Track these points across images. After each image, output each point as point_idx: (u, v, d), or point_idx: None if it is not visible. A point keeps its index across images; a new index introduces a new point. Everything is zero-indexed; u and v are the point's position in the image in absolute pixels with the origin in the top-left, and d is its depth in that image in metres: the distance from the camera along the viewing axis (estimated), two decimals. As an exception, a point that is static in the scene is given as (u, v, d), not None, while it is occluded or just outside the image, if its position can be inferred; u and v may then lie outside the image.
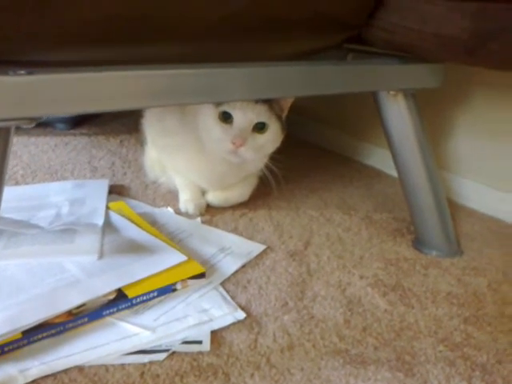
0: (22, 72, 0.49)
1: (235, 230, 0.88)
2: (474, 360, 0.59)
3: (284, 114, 0.89)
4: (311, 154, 1.31)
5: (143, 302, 0.65)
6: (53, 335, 0.57)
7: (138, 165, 1.14)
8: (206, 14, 0.56)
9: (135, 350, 0.57)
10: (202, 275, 0.70)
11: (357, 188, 1.11)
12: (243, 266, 0.76)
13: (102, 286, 0.64)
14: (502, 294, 0.73)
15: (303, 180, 1.13)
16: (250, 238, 0.85)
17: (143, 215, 0.88)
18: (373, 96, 0.80)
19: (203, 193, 0.96)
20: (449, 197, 1.04)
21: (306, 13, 0.63)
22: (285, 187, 1.07)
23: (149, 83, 0.56)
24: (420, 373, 0.56)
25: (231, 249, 0.80)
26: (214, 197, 0.95)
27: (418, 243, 0.86)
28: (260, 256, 0.79)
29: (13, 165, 1.11)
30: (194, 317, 0.62)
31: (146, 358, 0.56)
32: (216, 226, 0.89)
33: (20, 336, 0.55)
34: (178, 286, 0.68)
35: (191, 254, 0.75)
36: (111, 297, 0.63)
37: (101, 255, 0.71)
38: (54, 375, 0.53)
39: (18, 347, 0.55)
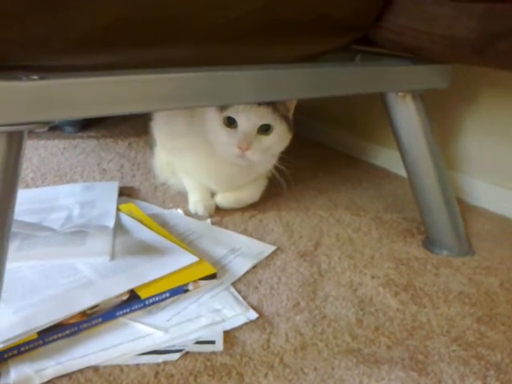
0: (35, 77, 0.49)
1: (245, 231, 0.88)
2: (488, 359, 0.59)
3: (290, 114, 0.89)
4: (320, 154, 1.31)
5: (156, 302, 0.65)
6: (67, 336, 0.58)
7: (147, 167, 1.15)
8: (211, 18, 0.57)
9: (149, 350, 0.57)
10: (213, 276, 0.71)
11: (366, 189, 1.11)
12: (254, 267, 0.76)
13: (115, 287, 0.64)
14: (515, 293, 0.73)
15: (312, 181, 1.13)
16: (260, 238, 0.85)
17: (153, 217, 0.88)
18: (381, 97, 0.80)
19: (212, 194, 0.97)
20: (459, 197, 1.04)
21: (312, 15, 0.63)
22: (294, 188, 1.07)
23: (156, 87, 0.56)
24: (434, 372, 0.56)
25: (242, 250, 0.80)
26: (224, 198, 0.95)
27: (429, 243, 0.86)
28: (270, 257, 0.80)
29: (23, 168, 1.11)
30: (206, 317, 0.63)
31: (160, 358, 0.56)
32: (226, 227, 0.89)
33: (36, 336, 0.55)
34: (190, 287, 0.68)
35: (202, 255, 0.75)
36: (124, 298, 0.63)
37: (113, 257, 0.71)
38: (69, 375, 0.53)
39: (34, 347, 0.56)
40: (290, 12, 0.59)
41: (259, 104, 0.82)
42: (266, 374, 0.55)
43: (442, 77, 0.77)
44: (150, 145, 1.08)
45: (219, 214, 0.94)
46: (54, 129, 1.40)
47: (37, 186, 1.02)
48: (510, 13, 0.56)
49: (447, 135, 1.08)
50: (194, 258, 0.72)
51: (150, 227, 0.82)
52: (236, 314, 0.64)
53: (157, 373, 0.54)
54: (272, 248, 0.82)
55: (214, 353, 0.58)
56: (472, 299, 0.70)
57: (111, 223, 0.81)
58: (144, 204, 0.95)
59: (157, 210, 0.94)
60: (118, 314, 0.62)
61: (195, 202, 0.94)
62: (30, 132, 0.53)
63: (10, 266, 0.54)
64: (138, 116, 1.44)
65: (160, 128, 0.99)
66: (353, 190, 1.10)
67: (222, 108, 0.83)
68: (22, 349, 0.55)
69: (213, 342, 0.59)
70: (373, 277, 0.75)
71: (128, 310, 0.62)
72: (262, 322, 0.63)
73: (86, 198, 0.93)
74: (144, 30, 0.55)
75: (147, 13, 0.53)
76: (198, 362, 0.56)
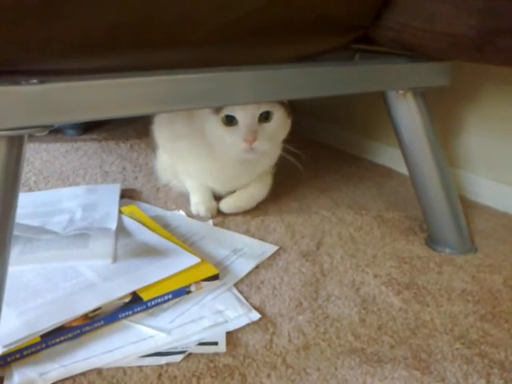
0: (35, 81, 0.49)
1: (247, 232, 0.88)
2: (492, 357, 0.58)
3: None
4: (321, 153, 1.31)
5: (158, 304, 0.65)
6: (70, 339, 0.58)
7: (149, 169, 1.15)
8: (209, 19, 0.57)
9: (152, 352, 0.57)
10: (215, 277, 0.71)
11: (368, 187, 1.11)
12: (256, 267, 0.76)
13: (117, 290, 0.64)
14: (518, 290, 0.72)
15: (314, 180, 1.13)
16: (262, 239, 0.85)
17: (155, 218, 0.88)
18: (382, 95, 0.80)
19: (215, 196, 0.97)
20: (461, 194, 1.04)
21: (312, 15, 0.63)
22: (296, 187, 1.08)
23: (157, 89, 0.56)
24: (437, 370, 0.56)
25: (244, 250, 0.80)
26: (228, 204, 0.94)
27: (431, 241, 0.86)
28: (273, 257, 0.79)
29: (25, 171, 1.12)
30: (209, 318, 0.63)
31: (162, 360, 0.56)
32: (228, 228, 0.89)
33: (38, 340, 0.56)
34: (192, 288, 0.68)
35: (204, 256, 0.75)
36: (126, 300, 0.63)
37: (115, 259, 0.72)
38: (72, 378, 0.53)
39: (37, 351, 0.56)
40: (290, 12, 0.59)
41: None
42: (268, 375, 0.55)
43: (442, 74, 0.76)
44: (151, 147, 1.09)
45: (221, 214, 0.94)
46: (56, 132, 1.40)
47: (39, 190, 1.03)
48: (509, 9, 0.56)
49: (449, 132, 1.08)
50: (196, 260, 0.72)
51: (151, 229, 0.82)
52: (238, 314, 0.64)
53: (160, 375, 0.54)
54: (274, 248, 0.82)
55: (216, 354, 0.58)
56: (475, 297, 0.70)
57: (113, 225, 0.81)
58: (146, 206, 0.96)
59: (159, 211, 0.94)
60: (120, 316, 0.62)
61: (197, 204, 0.94)
62: (32, 135, 0.53)
63: (12, 269, 0.54)
64: (139, 118, 1.44)
65: (161, 131, 0.99)
66: (354, 188, 1.10)
67: (217, 109, 0.83)
68: (25, 352, 0.55)
69: (215, 344, 0.59)
70: (375, 276, 0.75)
71: (130, 313, 0.63)
72: (265, 322, 0.63)
73: (88, 200, 0.94)
74: (143, 32, 0.55)
75: (146, 16, 0.53)
76: (200, 364, 0.56)
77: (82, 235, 0.76)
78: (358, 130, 1.32)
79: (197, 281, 0.69)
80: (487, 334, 0.62)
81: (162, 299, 0.65)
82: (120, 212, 0.88)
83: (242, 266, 0.75)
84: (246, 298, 0.68)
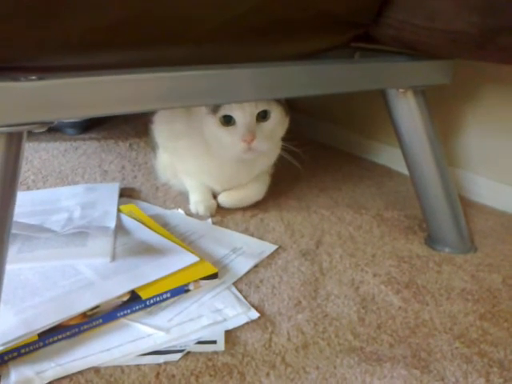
0: (33, 77, 0.49)
1: (246, 231, 0.88)
2: (491, 356, 0.58)
3: None
4: (320, 153, 1.31)
5: (157, 303, 0.65)
6: (68, 337, 0.58)
7: (148, 168, 1.15)
8: (209, 17, 0.57)
9: (150, 350, 0.57)
10: (214, 275, 0.70)
11: (367, 186, 1.11)
12: (255, 266, 0.76)
13: (116, 288, 0.64)
14: (518, 289, 0.72)
15: (313, 179, 1.12)
16: (262, 238, 0.85)
17: (154, 217, 0.88)
18: (382, 94, 0.80)
19: (214, 195, 0.97)
20: (461, 193, 1.03)
21: (312, 13, 0.63)
22: (295, 186, 1.08)
23: (156, 85, 0.56)
24: (436, 369, 0.56)
25: (243, 249, 0.80)
26: (227, 198, 0.95)
27: (431, 240, 0.86)
28: (272, 256, 0.79)
29: (24, 170, 1.12)
30: (207, 317, 0.62)
31: (161, 359, 0.56)
32: (227, 226, 0.89)
33: (36, 338, 0.55)
34: (191, 287, 0.68)
35: (203, 255, 0.75)
36: (125, 298, 0.63)
37: (113, 257, 0.71)
38: (70, 377, 0.53)
39: (34, 349, 0.55)
40: (290, 9, 0.59)
41: None
42: (267, 374, 0.55)
43: (442, 72, 0.76)
44: (150, 146, 1.09)
45: (220, 213, 0.94)
46: (55, 131, 1.40)
47: (38, 188, 1.03)
48: (510, 7, 0.56)
49: (448, 131, 1.08)
50: (194, 258, 0.72)
51: (150, 227, 0.82)
52: (237, 313, 0.64)
53: (158, 373, 0.54)
54: (273, 247, 0.82)
55: (215, 353, 0.57)
56: (475, 296, 0.70)
57: (112, 224, 0.81)
58: (145, 205, 0.95)
59: (158, 210, 0.94)
60: (118, 314, 0.61)
61: (196, 202, 0.94)
62: (31, 134, 0.53)
63: (10, 267, 0.54)
64: (138, 117, 1.44)
65: (161, 130, 0.99)
66: (354, 187, 1.10)
67: (215, 109, 0.83)
68: (23, 351, 0.54)
69: (214, 342, 0.59)
70: (374, 275, 0.75)
71: (129, 311, 0.62)
72: (264, 321, 0.63)
73: (87, 199, 0.93)
74: (143, 30, 0.55)
75: (146, 12, 0.53)
76: (199, 362, 0.56)
77: (80, 234, 0.76)
78: (358, 130, 1.32)
79: (195, 279, 0.68)
80: (486, 332, 0.62)
81: (161, 298, 0.65)
82: (119, 211, 0.88)
83: (241, 265, 0.75)
84: (245, 297, 0.68)
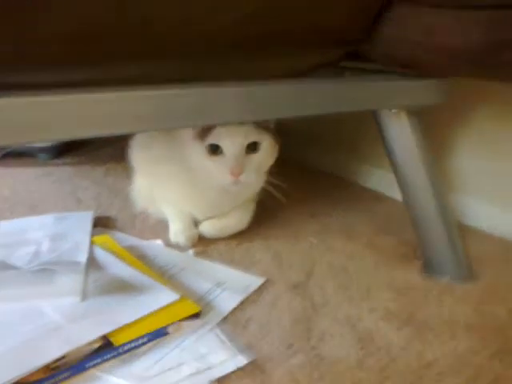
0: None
1: (231, 262, 0.81)
2: (508, 404, 0.52)
3: (271, 126, 0.84)
4: (307, 177, 1.25)
5: (132, 349, 0.57)
6: (28, 395, 0.50)
7: (126, 194, 1.07)
8: (189, 30, 0.51)
9: (124, 408, 0.50)
10: (196, 315, 0.64)
11: (357, 211, 1.06)
12: (241, 303, 0.69)
13: (85, 334, 0.57)
14: (525, 322, 0.67)
15: (300, 205, 1.06)
16: (248, 269, 0.79)
17: (130, 249, 0.81)
18: (373, 115, 0.75)
19: (195, 223, 0.90)
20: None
21: (301, 27, 0.58)
22: (282, 212, 1.02)
23: (132, 105, 0.50)
24: (448, 422, 0.50)
25: (227, 283, 0.74)
26: (209, 227, 0.88)
27: (427, 268, 0.80)
28: (259, 290, 0.73)
29: (-10, 199, 1.04)
30: (189, 365, 0.55)
31: (136, 418, 0.49)
32: (210, 257, 0.82)
33: (-12, 399, 0.48)
34: (171, 330, 0.61)
35: (184, 291, 0.68)
36: (95, 345, 0.56)
37: (84, 297, 0.64)
38: None
39: (-14, 413, 0.48)
40: (276, 23, 0.54)
41: (240, 123, 0.77)
42: (258, 433, 0.48)
43: (438, 91, 0.72)
44: (128, 171, 1.02)
45: (202, 243, 0.87)
46: (26, 156, 1.32)
47: (4, 219, 0.94)
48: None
49: (439, 153, 1.04)
50: (174, 296, 0.65)
51: (126, 261, 0.75)
52: (223, 360, 0.57)
53: None
54: (260, 280, 0.75)
55: (198, 408, 0.51)
56: (480, 332, 0.64)
57: (83, 258, 0.74)
58: (121, 235, 0.88)
59: (134, 241, 0.87)
60: (87, 365, 0.54)
61: (176, 232, 0.87)
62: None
63: (-41, 316, 0.47)
64: (116, 141, 1.38)
65: (138, 154, 0.93)
66: (344, 213, 1.04)
67: (202, 136, 0.77)
68: (-28, 415, 0.47)
69: (197, 395, 0.52)
70: (371, 310, 0.69)
71: (100, 360, 0.55)
72: (252, 368, 0.56)
73: (57, 230, 0.86)
74: (108, 43, 0.49)
75: (110, 25, 0.47)
76: (180, 421, 0.49)
77: (47, 270, 0.68)
78: (347, 153, 1.28)
79: (176, 321, 0.62)
80: (501, 376, 0.56)
81: (137, 343, 0.58)
82: (92, 242, 0.81)
83: (226, 302, 0.69)
84: (231, 340, 0.61)
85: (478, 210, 0.99)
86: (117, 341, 0.57)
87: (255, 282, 0.75)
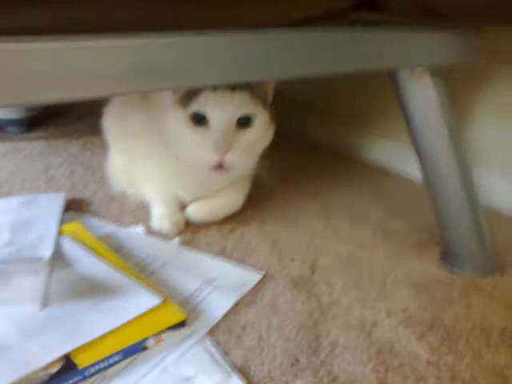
0: None
1: (223, 252, 0.70)
2: None
3: (269, 99, 0.72)
4: (305, 151, 1.13)
5: (101, 371, 0.47)
6: None
7: (103, 172, 0.95)
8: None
9: None
10: (181, 323, 0.53)
11: (363, 190, 0.94)
12: (236, 305, 0.58)
13: (42, 353, 0.46)
14: None
15: (299, 184, 0.95)
16: (242, 260, 0.68)
17: (105, 238, 0.70)
18: (390, 77, 0.63)
19: (181, 206, 0.78)
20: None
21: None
22: (279, 194, 0.90)
23: (93, 60, 0.38)
24: None
25: (219, 280, 0.63)
26: (196, 210, 0.77)
27: (448, 258, 0.70)
28: (257, 287, 0.62)
29: None
30: (171, 393, 0.45)
31: None
32: (199, 247, 0.71)
33: None
34: (150, 343, 0.50)
35: (167, 292, 0.57)
36: (55, 369, 0.45)
37: (44, 304, 0.53)
38: None
39: None
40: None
41: (233, 90, 0.64)
42: None
43: (465, 48, 0.60)
44: (105, 146, 0.90)
45: (190, 229, 0.76)
46: (-6, 129, 1.19)
47: (-38, 203, 0.82)
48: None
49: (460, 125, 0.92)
50: (156, 300, 0.54)
51: (99, 255, 0.64)
52: (214, 383, 0.46)
53: None
54: (258, 276, 0.64)
55: None
56: (520, 339, 0.54)
57: (47, 253, 0.62)
58: (95, 221, 0.77)
59: (111, 228, 0.75)
60: (43, 397, 0.43)
61: (160, 217, 0.75)
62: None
63: None
64: (97, 111, 1.25)
65: (112, 126, 0.80)
66: (348, 192, 0.93)
67: (185, 102, 0.65)
68: None
69: (181, 433, 0.42)
70: (389, 313, 0.58)
71: (59, 389, 0.44)
72: (250, 393, 0.46)
73: (21, 216, 0.74)
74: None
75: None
76: None
77: (1, 271, 0.57)
78: (347, 122, 1.15)
79: (156, 332, 0.51)
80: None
81: (107, 363, 0.47)
82: (60, 232, 0.69)
83: (217, 304, 0.58)
84: (224, 353, 0.50)
85: (498, 189, 0.88)
86: (81, 361, 0.46)
87: (252, 278, 0.64)
